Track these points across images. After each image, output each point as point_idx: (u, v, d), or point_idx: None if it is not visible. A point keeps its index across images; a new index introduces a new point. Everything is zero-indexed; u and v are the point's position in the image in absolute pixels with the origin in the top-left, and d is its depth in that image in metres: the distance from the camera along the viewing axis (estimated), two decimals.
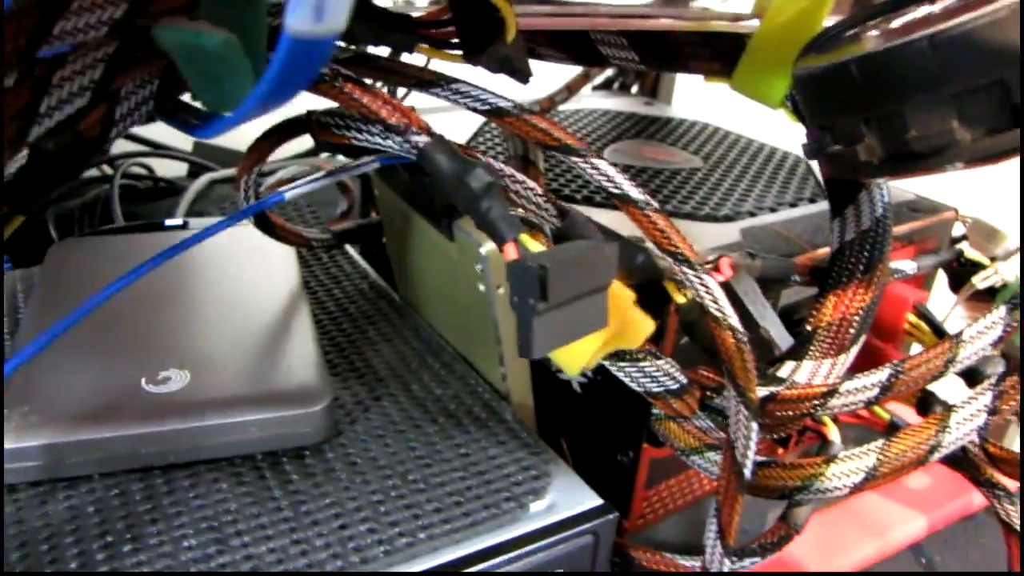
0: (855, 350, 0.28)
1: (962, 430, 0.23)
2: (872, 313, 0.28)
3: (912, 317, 0.33)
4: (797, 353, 0.28)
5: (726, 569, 0.23)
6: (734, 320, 0.22)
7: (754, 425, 0.22)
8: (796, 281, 0.29)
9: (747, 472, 0.22)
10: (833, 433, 0.29)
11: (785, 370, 0.28)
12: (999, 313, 0.23)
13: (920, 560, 0.33)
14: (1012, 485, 0.29)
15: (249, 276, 0.32)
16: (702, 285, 0.22)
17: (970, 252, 0.35)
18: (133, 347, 0.27)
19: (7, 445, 0.23)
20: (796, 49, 0.26)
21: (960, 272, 0.35)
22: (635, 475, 0.29)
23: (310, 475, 0.25)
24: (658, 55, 0.29)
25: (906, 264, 0.32)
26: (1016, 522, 0.28)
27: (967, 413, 0.24)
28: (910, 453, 0.24)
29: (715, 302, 0.22)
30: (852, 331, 0.28)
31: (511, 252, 0.18)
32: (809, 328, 0.28)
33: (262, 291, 0.31)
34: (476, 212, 0.19)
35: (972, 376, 0.30)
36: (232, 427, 0.25)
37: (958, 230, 0.38)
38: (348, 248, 0.38)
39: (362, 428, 0.27)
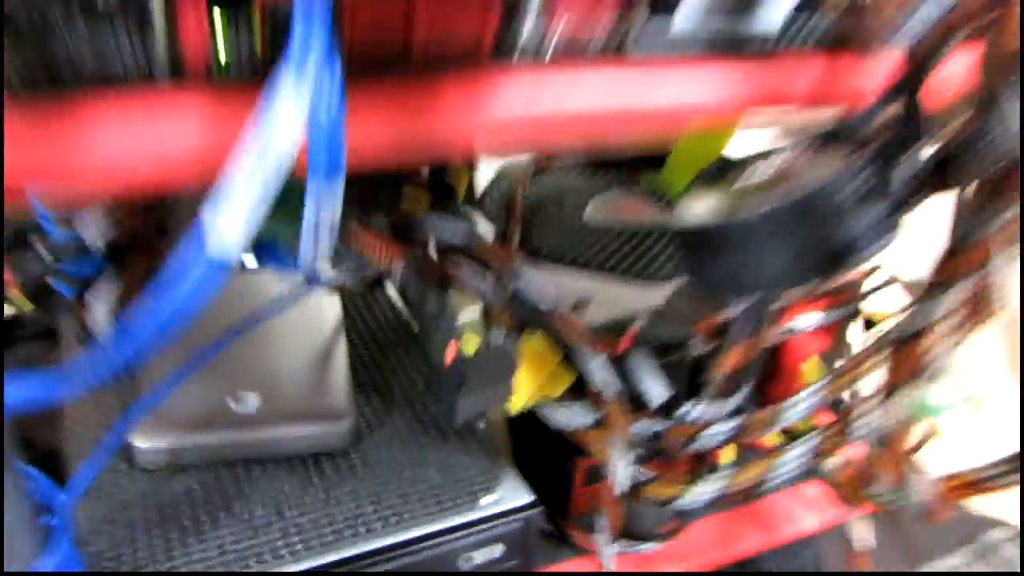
0: (740, 395, 0.38)
1: (787, 467, 0.33)
2: (754, 368, 0.37)
3: (812, 362, 0.42)
4: (699, 394, 0.38)
5: (609, 552, 0.34)
6: (608, 387, 0.32)
7: (620, 458, 0.32)
8: (698, 342, 0.38)
9: (617, 489, 0.32)
10: (723, 457, 0.39)
11: (684, 408, 0.37)
12: (814, 388, 0.32)
13: (810, 552, 0.42)
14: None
15: (302, 312, 0.44)
16: (583, 361, 0.32)
17: (867, 309, 0.43)
18: (220, 372, 0.40)
19: (144, 444, 0.36)
20: (700, 166, 0.35)
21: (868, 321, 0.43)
22: (573, 477, 0.39)
23: (338, 470, 0.37)
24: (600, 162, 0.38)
25: (802, 320, 0.41)
26: (856, 542, 0.37)
27: (793, 454, 0.33)
28: (748, 482, 0.33)
29: (590, 374, 0.32)
30: (736, 382, 0.37)
31: (448, 357, 0.29)
32: (708, 376, 0.38)
33: (311, 325, 0.43)
34: (429, 325, 0.30)
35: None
36: (289, 437, 0.37)
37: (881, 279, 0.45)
38: (387, 284, 0.50)
39: (377, 437, 0.39)
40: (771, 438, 0.42)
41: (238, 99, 0.20)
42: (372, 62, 0.21)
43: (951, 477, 0.31)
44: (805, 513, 0.43)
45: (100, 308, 0.32)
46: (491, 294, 0.35)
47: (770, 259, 0.27)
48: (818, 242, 0.26)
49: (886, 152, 0.26)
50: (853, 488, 0.38)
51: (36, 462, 0.29)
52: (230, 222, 0.17)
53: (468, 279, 0.32)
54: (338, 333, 0.43)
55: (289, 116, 0.17)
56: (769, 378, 0.44)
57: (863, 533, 0.38)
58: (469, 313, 0.33)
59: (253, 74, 0.20)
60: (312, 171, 0.19)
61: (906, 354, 0.30)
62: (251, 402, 0.38)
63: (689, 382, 0.38)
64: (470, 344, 0.29)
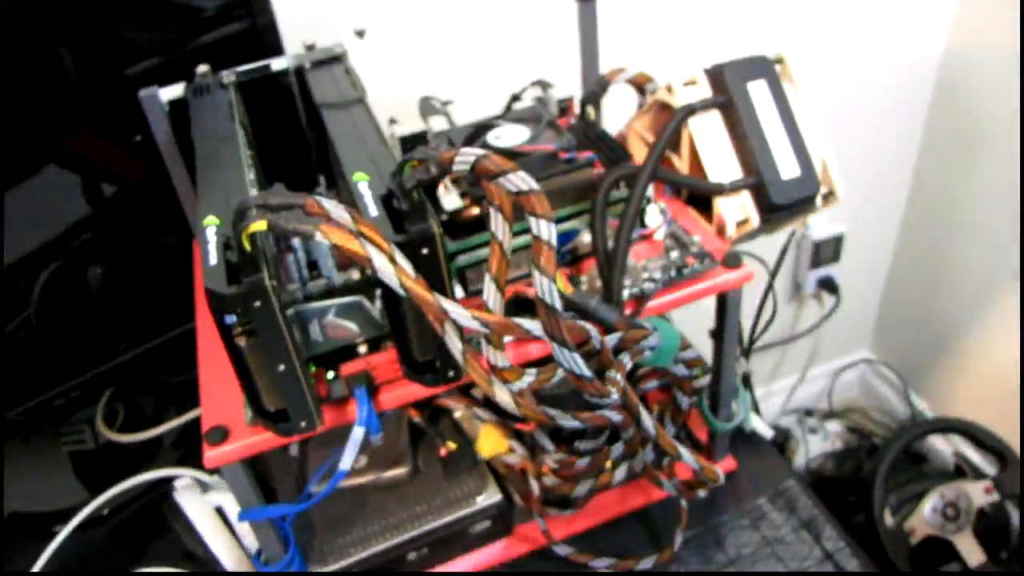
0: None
1: (617, 477, 0.68)
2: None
3: None
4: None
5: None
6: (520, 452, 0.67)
7: (533, 478, 0.68)
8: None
9: (535, 493, 0.68)
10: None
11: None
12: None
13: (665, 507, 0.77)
14: None
15: None
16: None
17: None
18: None
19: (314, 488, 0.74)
20: None
21: None
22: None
23: (407, 491, 0.74)
24: None
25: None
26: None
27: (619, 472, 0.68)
28: (602, 481, 0.68)
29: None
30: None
31: (442, 452, 0.65)
32: None
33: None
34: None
35: None
36: (382, 476, 0.74)
37: None
38: None
39: (424, 475, 0.76)
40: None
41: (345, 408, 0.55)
42: None
43: None
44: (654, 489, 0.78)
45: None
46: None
47: None
48: None
49: None
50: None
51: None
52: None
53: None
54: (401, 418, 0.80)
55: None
56: None
57: None
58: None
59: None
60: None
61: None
62: (363, 460, 0.75)
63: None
64: (452, 444, 0.65)
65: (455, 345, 0.45)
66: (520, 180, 0.41)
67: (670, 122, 0.64)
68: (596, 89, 0.75)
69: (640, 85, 0.75)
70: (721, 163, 0.66)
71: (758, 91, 0.65)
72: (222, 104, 0.64)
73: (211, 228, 0.48)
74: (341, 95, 0.63)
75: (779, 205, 0.64)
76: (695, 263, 0.61)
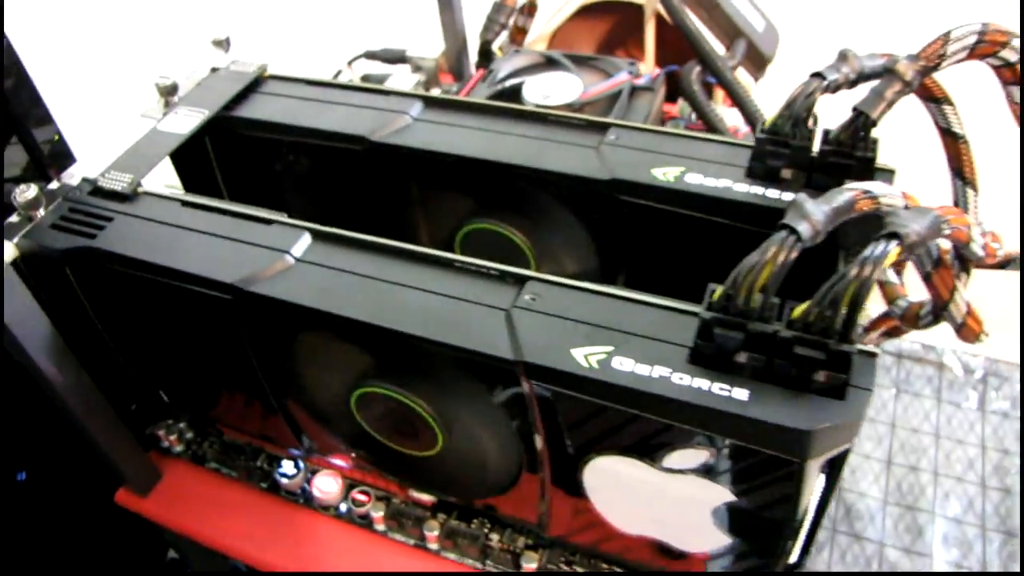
0: None
1: None
2: None
3: None
4: None
5: None
6: None
7: None
8: None
9: None
10: None
11: None
12: None
13: None
14: None
15: None
16: None
17: None
18: None
19: None
20: None
21: None
22: None
23: None
24: None
25: None
26: None
27: None
28: None
29: None
30: None
31: None
32: None
33: None
34: None
35: None
36: None
37: None
38: None
39: None
40: None
41: None
42: None
43: None
44: None
45: None
46: None
47: None
48: None
49: None
50: None
51: None
52: None
53: None
54: None
55: None
56: None
57: None
58: None
59: None
60: None
61: None
62: None
63: None
64: None
65: (962, 298, 0.34)
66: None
67: (676, 13, 0.55)
68: (502, 21, 0.60)
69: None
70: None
71: None
72: (177, 212, 0.33)
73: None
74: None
75: (769, 56, 0.62)
76: None
